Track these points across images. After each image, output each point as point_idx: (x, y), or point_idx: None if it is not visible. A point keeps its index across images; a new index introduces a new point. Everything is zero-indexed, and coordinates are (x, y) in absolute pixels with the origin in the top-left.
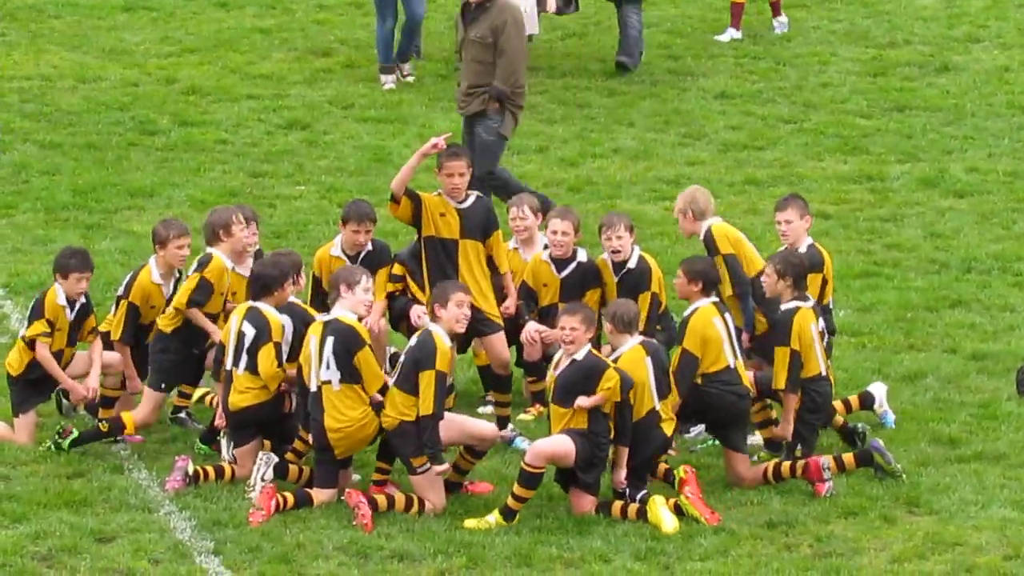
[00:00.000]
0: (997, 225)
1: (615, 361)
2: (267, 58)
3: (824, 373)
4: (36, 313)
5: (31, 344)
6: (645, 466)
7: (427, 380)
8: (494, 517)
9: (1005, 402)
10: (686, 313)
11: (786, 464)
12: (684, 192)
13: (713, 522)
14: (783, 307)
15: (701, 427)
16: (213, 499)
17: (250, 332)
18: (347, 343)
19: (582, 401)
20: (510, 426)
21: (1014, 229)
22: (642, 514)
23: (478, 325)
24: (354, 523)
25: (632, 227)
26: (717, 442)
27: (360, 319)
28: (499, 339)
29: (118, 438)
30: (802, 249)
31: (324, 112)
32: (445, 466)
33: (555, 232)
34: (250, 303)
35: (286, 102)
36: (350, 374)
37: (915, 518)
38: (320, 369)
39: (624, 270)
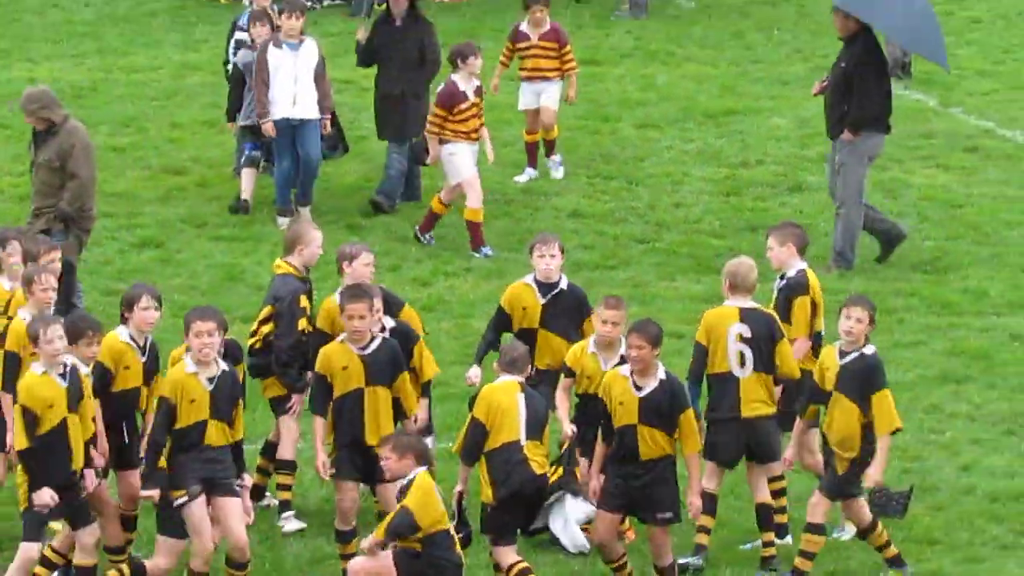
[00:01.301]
0: None
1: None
2: (121, 176)
3: None
4: None
5: None
6: (514, 500)
7: None
8: None
9: None
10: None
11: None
12: (732, 263)
13: None
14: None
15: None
16: None
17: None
18: None
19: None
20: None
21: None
22: None
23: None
24: None
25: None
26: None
27: None
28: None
29: None
30: (791, 273)
31: (177, 230)
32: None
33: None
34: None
35: (139, 220)
36: None
37: None
38: None
39: (555, 291)
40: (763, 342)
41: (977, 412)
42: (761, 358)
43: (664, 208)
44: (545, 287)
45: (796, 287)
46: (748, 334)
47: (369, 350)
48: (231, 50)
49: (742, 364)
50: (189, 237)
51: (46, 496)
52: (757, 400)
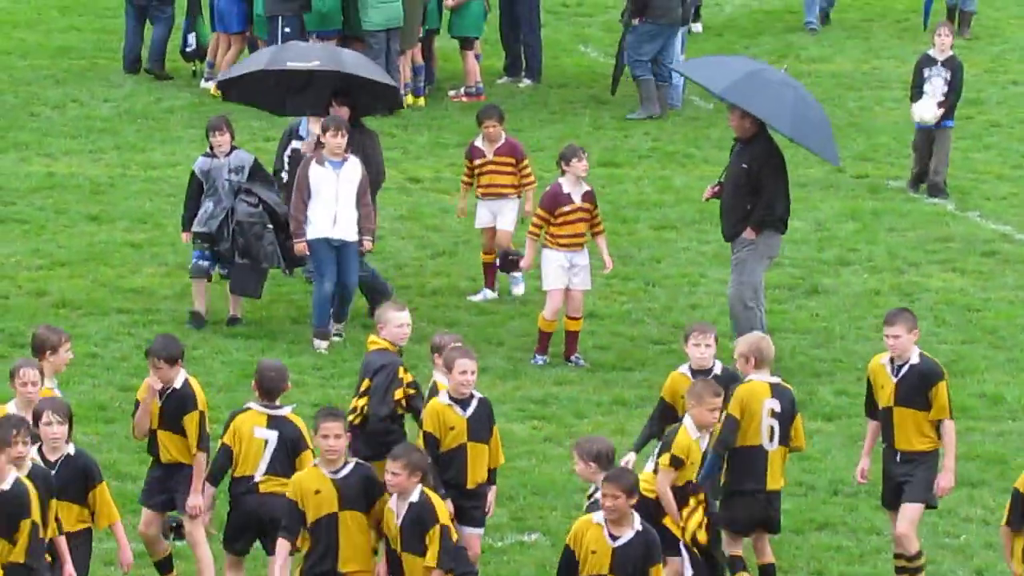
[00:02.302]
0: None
1: None
2: (137, 272)
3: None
4: None
5: None
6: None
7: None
8: None
9: None
10: None
11: None
12: (750, 338)
13: None
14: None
15: None
16: None
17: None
18: None
19: None
20: None
21: (879, 451)
22: None
23: None
24: None
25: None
26: None
27: None
28: None
29: None
30: (914, 360)
31: (193, 327)
32: None
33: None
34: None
35: (155, 316)
36: None
37: None
38: None
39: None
40: (787, 417)
41: (991, 516)
42: (784, 432)
43: (680, 309)
44: (700, 375)
45: (932, 374)
46: (778, 409)
47: (341, 474)
48: (287, 156)
49: (771, 438)
50: (206, 334)
51: None
52: (780, 473)
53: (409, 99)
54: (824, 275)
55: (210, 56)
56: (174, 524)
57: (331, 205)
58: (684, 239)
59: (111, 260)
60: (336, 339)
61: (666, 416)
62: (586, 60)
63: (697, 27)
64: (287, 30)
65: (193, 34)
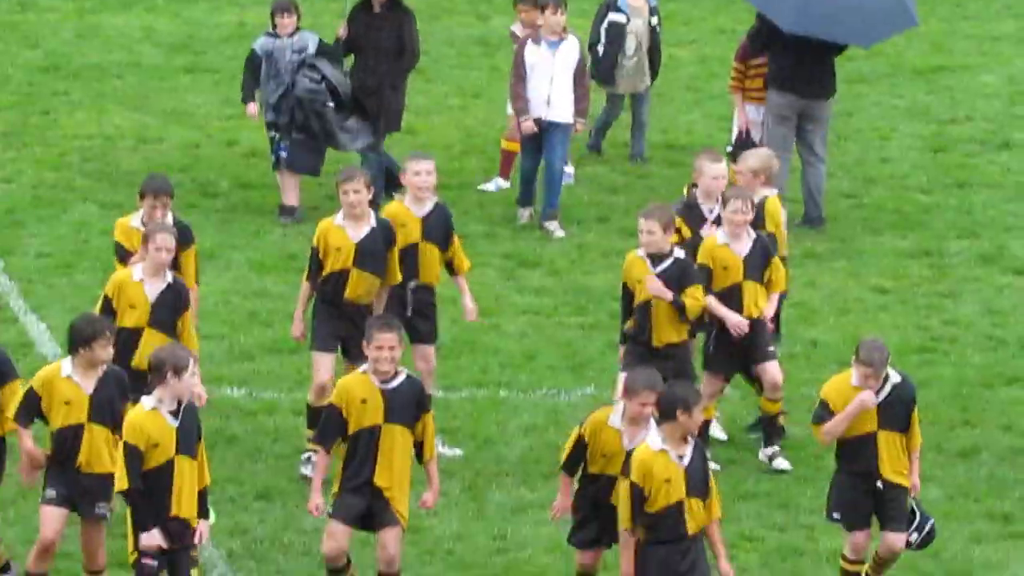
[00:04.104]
0: None
1: None
2: None
3: None
4: None
5: None
6: None
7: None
8: None
9: None
10: None
11: None
12: (759, 153)
13: None
14: None
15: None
16: None
17: None
18: None
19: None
20: None
21: None
22: None
23: (382, 514)
24: None
25: None
26: None
27: None
28: (394, 535)
29: None
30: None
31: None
32: None
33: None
34: None
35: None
36: None
37: None
38: None
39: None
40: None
41: None
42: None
43: (871, 164)
44: (655, 260)
45: None
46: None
47: (391, 385)
48: (603, 28)
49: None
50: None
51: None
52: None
53: None
54: (1016, 129)
55: None
56: None
57: (545, 86)
58: (876, 93)
59: None
60: (559, 233)
61: (626, 297)
62: None
63: None
64: None
65: None
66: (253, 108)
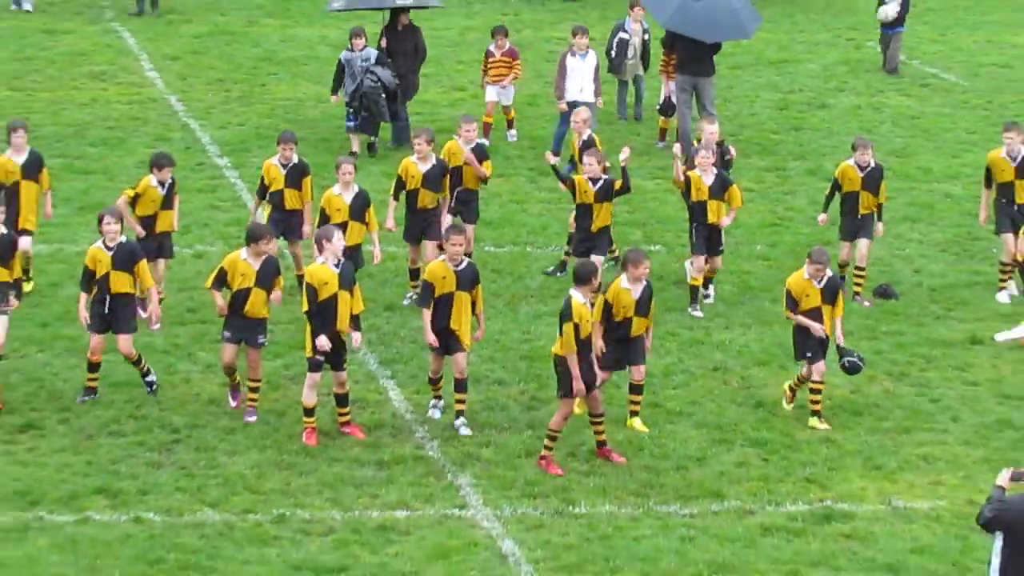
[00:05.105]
0: None
1: None
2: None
3: None
4: None
5: None
6: None
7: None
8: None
9: None
10: None
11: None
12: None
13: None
14: None
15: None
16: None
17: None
18: None
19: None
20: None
21: None
22: None
23: (455, 344)
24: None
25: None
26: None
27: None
28: (463, 356)
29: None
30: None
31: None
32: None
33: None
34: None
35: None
36: None
37: None
38: None
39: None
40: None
41: None
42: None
43: (744, 116)
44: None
45: None
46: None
47: (459, 268)
48: (615, 43)
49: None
50: None
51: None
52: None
53: None
54: (829, 96)
55: None
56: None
57: (577, 80)
58: (746, 74)
59: None
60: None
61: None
62: None
63: None
64: None
65: None
66: (335, 97)
